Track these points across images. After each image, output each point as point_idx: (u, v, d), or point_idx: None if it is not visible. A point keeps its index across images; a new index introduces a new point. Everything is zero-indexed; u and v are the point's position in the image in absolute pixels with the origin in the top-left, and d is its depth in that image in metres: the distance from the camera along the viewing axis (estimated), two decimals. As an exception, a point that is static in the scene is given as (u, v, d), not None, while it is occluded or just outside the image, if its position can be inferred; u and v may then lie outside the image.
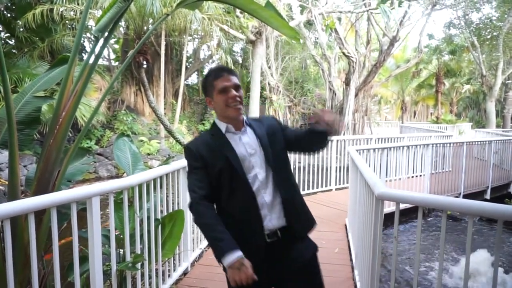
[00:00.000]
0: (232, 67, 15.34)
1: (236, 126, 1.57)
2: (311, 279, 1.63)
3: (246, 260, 1.36)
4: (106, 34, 2.46)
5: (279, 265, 1.55)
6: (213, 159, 1.52)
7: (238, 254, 1.36)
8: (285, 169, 1.64)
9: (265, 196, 1.53)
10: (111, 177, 11.70)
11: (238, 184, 1.51)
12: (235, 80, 1.53)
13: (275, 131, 1.64)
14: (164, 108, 16.39)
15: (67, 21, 11.07)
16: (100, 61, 17.35)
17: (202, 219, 1.49)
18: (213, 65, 21.28)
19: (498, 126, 20.81)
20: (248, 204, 1.51)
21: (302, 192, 6.15)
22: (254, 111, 10.82)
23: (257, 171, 1.54)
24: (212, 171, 1.51)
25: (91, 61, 2.43)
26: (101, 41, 2.49)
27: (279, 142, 1.62)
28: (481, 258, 4.59)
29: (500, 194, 7.51)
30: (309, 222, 1.70)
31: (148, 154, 13.45)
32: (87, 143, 12.75)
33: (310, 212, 1.72)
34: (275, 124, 1.68)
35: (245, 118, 1.62)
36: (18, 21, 10.23)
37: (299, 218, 1.62)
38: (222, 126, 1.57)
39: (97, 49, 2.46)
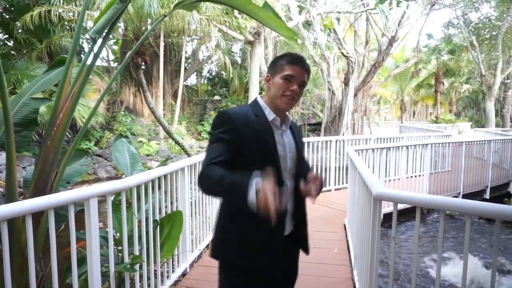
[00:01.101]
0: (231, 68, 15.35)
1: (282, 120, 1.49)
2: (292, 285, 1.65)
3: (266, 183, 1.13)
4: (104, 35, 2.46)
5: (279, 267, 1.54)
6: (251, 140, 1.35)
7: (257, 181, 1.15)
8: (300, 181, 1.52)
9: (288, 205, 1.48)
10: (110, 178, 11.69)
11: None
12: (304, 77, 1.43)
13: (301, 141, 1.60)
14: (163, 109, 16.39)
15: (65, 23, 11.06)
16: (99, 63, 17.36)
17: (213, 177, 1.26)
18: (212, 66, 21.36)
19: (497, 125, 20.84)
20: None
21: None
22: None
23: (285, 176, 1.45)
24: (246, 152, 1.32)
25: (88, 62, 2.43)
26: (99, 42, 2.49)
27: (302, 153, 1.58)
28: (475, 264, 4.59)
29: (499, 194, 7.52)
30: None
31: (147, 155, 13.44)
32: (86, 144, 12.74)
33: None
34: (301, 135, 1.65)
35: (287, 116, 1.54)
36: (17, 22, 10.22)
37: (304, 228, 1.61)
38: (269, 112, 1.44)
39: (94, 51, 2.46)
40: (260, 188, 1.12)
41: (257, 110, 1.43)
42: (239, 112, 1.41)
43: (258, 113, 1.42)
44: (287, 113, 1.52)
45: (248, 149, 1.34)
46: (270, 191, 1.09)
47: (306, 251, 1.60)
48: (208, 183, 1.30)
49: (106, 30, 2.44)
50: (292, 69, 1.40)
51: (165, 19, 10.54)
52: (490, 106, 19.74)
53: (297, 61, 1.42)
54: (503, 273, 4.52)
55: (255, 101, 1.48)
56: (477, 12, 18.70)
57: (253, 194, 1.13)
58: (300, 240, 1.58)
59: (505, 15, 17.24)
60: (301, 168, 1.51)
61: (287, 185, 1.45)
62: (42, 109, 8.05)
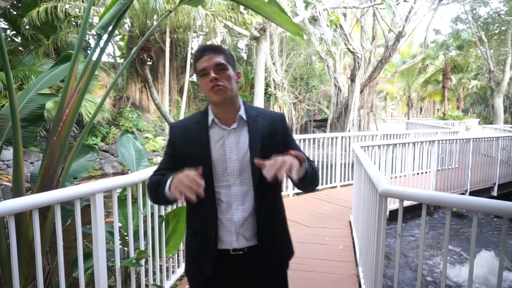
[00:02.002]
0: (236, 64, 15.32)
1: (225, 119, 1.34)
2: None
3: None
4: (109, 31, 2.46)
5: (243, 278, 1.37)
6: (185, 151, 1.35)
7: (174, 175, 1.21)
8: (272, 189, 1.35)
9: (236, 213, 1.31)
10: (116, 174, 11.78)
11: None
12: (217, 59, 1.28)
13: (276, 138, 1.36)
14: (169, 105, 16.43)
15: (72, 18, 11.10)
16: (106, 58, 17.43)
17: (149, 184, 1.37)
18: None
19: (506, 122, 20.62)
20: (207, 220, 1.32)
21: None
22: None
23: (231, 182, 1.31)
24: (180, 165, 1.27)
25: (94, 58, 2.44)
26: (105, 37, 2.49)
27: (277, 153, 1.24)
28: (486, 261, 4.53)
29: (507, 191, 7.44)
30: (283, 254, 1.45)
31: (153, 151, 13.51)
32: (93, 140, 12.84)
33: (290, 242, 1.49)
34: (280, 129, 1.39)
35: (242, 111, 1.35)
36: (24, 18, 10.29)
37: (273, 246, 1.38)
38: (210, 116, 1.36)
39: (100, 46, 2.46)
40: (174, 177, 1.18)
41: (201, 116, 1.38)
42: (182, 123, 1.45)
43: (201, 119, 1.37)
44: (241, 109, 1.36)
45: (183, 159, 1.34)
46: (181, 175, 1.14)
47: (266, 267, 1.37)
48: (148, 190, 1.40)
49: (111, 26, 2.44)
50: (202, 62, 1.29)
51: (170, 14, 10.54)
52: (499, 102, 19.50)
53: (202, 51, 1.31)
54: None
55: (206, 107, 1.41)
56: (486, 6, 18.43)
57: (169, 183, 1.22)
58: (263, 256, 1.35)
59: (515, 10, 16.97)
60: (258, 170, 1.27)
61: (228, 190, 1.32)
62: (50, 104, 8.12)
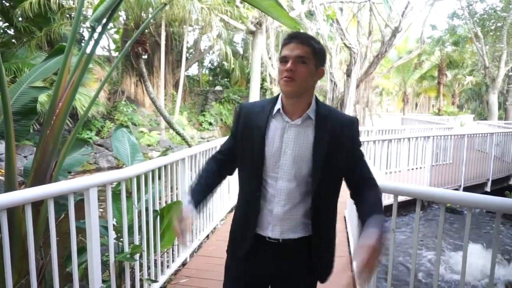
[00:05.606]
0: (232, 58, 15.25)
1: (292, 112, 1.29)
2: None
3: (187, 212, 1.29)
4: (103, 23, 2.42)
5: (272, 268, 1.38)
6: (245, 134, 1.35)
7: (186, 205, 1.32)
8: (330, 196, 1.36)
9: (277, 206, 1.30)
10: (111, 168, 11.73)
11: (251, 178, 1.33)
12: (300, 50, 1.22)
13: (346, 146, 1.30)
14: (165, 99, 16.34)
15: (66, 10, 10.95)
16: (101, 52, 17.26)
17: (200, 172, 1.47)
18: (214, 56, 21.23)
19: (500, 118, 20.76)
20: (250, 206, 1.35)
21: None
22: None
23: (279, 175, 1.28)
24: (238, 149, 1.37)
25: (88, 51, 2.41)
26: (99, 30, 2.46)
27: (340, 162, 1.29)
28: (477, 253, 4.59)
29: (500, 187, 7.51)
30: (326, 265, 1.40)
31: (149, 145, 13.46)
32: (87, 134, 12.76)
33: (333, 256, 1.43)
34: (349, 135, 1.31)
35: (311, 109, 1.29)
36: (17, 10, 10.12)
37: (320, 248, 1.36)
38: (278, 105, 1.32)
39: (94, 39, 2.43)
40: (181, 210, 1.30)
41: (269, 103, 1.35)
42: (251, 105, 1.41)
43: (268, 105, 1.34)
44: (312, 107, 1.30)
45: (242, 141, 1.36)
46: (176, 222, 1.27)
47: (317, 277, 1.38)
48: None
49: (105, 19, 2.41)
50: (286, 49, 1.25)
51: (165, 7, 10.44)
52: (493, 98, 19.61)
53: (290, 38, 1.26)
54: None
55: (278, 94, 1.36)
56: (482, 2, 18.47)
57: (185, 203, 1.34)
58: (310, 259, 1.34)
59: (511, 6, 17.02)
60: (320, 172, 1.27)
61: (275, 182, 1.30)
62: (43, 98, 8.03)
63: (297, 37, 1.25)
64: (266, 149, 1.29)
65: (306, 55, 1.23)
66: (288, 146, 1.28)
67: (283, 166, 1.28)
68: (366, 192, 1.33)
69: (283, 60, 1.24)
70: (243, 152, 1.35)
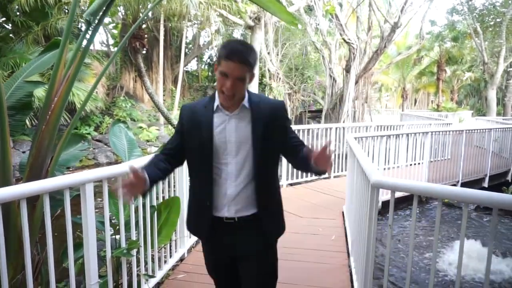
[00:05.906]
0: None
1: (229, 106, 1.47)
2: (260, 266, 1.57)
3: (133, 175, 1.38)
4: (99, 17, 2.40)
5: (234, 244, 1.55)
6: (191, 131, 1.51)
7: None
8: (270, 171, 1.56)
9: (230, 188, 1.47)
10: (110, 164, 11.69)
11: (202, 167, 1.50)
12: (239, 71, 1.34)
13: (278, 125, 1.51)
14: (164, 95, 16.30)
15: (63, 5, 10.86)
16: (99, 47, 17.18)
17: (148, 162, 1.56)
18: (213, 52, 21.12)
19: (499, 114, 20.75)
20: (205, 191, 1.51)
21: (300, 180, 6.20)
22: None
23: (228, 161, 1.47)
24: (186, 143, 1.53)
25: (84, 45, 2.38)
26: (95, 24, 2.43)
27: (276, 139, 1.50)
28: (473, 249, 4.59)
29: (498, 182, 7.53)
30: (278, 225, 1.63)
31: (147, 141, 13.43)
32: (86, 130, 12.71)
33: (283, 220, 1.65)
34: (280, 116, 1.53)
35: (245, 100, 1.47)
36: (15, 4, 10.04)
37: (269, 216, 1.56)
38: (216, 102, 1.49)
39: (89, 33, 2.40)
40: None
41: (209, 101, 1.51)
42: (193, 105, 1.58)
43: (208, 103, 1.51)
44: (245, 98, 1.48)
45: (189, 138, 1.52)
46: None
47: (265, 236, 1.55)
48: None
49: (101, 12, 2.38)
50: (227, 66, 1.34)
51: (162, 2, 10.36)
52: (492, 94, 19.61)
53: (232, 55, 1.33)
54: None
55: (214, 92, 1.51)
56: (482, -2, 18.38)
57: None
58: (260, 226, 1.52)
59: (510, 2, 16.96)
60: (260, 152, 1.46)
61: (225, 168, 1.48)
62: (40, 93, 7.99)
63: (237, 55, 1.34)
64: (214, 140, 1.46)
65: (244, 75, 1.37)
66: (231, 135, 1.46)
67: (231, 153, 1.47)
68: (299, 150, 1.52)
69: (222, 74, 1.36)
70: (192, 145, 1.52)
